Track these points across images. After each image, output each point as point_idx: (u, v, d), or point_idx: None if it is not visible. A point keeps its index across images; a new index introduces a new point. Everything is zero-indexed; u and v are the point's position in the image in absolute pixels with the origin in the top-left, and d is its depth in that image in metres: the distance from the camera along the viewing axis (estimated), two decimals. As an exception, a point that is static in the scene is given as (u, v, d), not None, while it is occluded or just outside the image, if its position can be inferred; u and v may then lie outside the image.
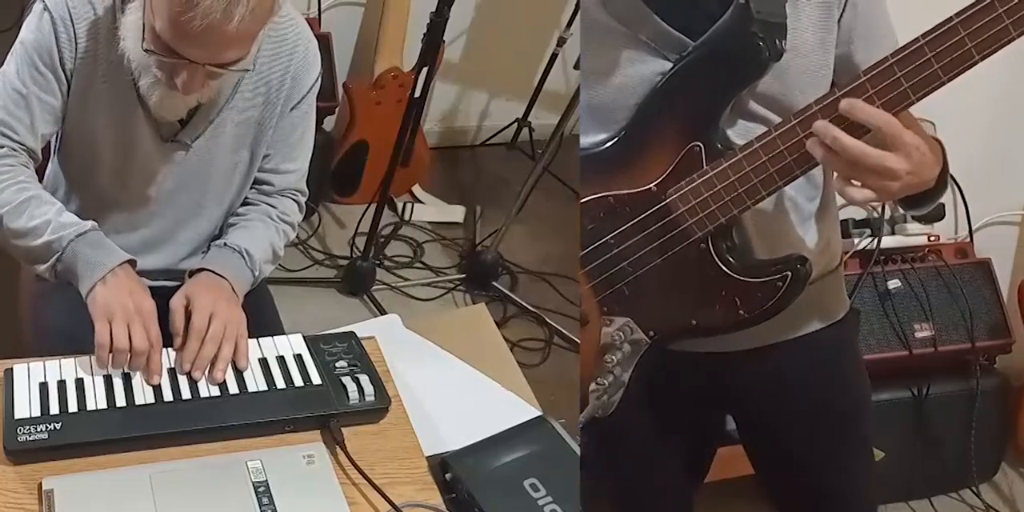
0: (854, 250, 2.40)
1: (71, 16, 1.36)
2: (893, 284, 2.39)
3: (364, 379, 1.34)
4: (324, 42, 2.72)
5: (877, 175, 1.06)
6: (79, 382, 1.28)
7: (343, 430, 1.28)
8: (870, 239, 2.41)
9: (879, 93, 1.06)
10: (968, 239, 2.56)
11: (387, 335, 1.50)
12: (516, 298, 2.94)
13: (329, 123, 3.17)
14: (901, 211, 2.45)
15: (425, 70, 2.59)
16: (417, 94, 2.63)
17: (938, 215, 2.33)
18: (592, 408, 1.30)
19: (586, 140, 1.28)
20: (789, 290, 1.17)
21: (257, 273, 1.52)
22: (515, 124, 3.59)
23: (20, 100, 1.39)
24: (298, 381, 1.35)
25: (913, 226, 2.44)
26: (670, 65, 1.20)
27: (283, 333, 1.46)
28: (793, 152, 1.12)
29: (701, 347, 1.33)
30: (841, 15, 1.23)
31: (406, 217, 3.24)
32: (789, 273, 1.17)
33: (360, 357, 1.40)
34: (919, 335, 2.39)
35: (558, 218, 3.17)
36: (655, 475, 1.49)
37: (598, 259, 1.27)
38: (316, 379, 1.35)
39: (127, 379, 1.30)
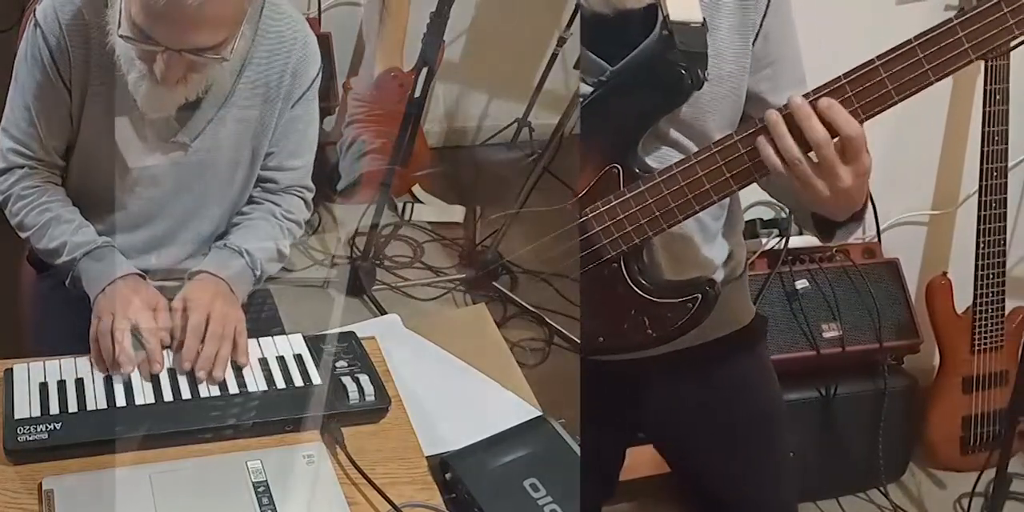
0: (762, 250, 2.39)
1: (60, 26, 1.37)
2: (801, 284, 2.39)
3: (364, 379, 1.34)
4: (324, 42, 2.72)
5: (816, 158, 1.05)
6: (79, 382, 1.28)
7: (343, 430, 1.28)
8: (778, 239, 2.41)
9: (859, 95, 1.05)
10: (876, 239, 2.55)
11: (387, 335, 1.50)
12: (516, 298, 2.93)
13: (329, 123, 3.16)
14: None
15: (425, 70, 2.59)
16: (417, 94, 2.63)
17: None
18: None
19: None
20: (699, 311, 1.20)
21: (259, 272, 1.52)
22: (515, 124, 3.58)
23: (30, 117, 1.44)
24: (298, 381, 1.35)
25: (822, 226, 2.44)
26: (589, 89, 1.21)
27: (283, 333, 1.46)
28: (712, 179, 1.14)
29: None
30: (753, 43, 1.24)
31: (406, 217, 3.24)
32: (699, 295, 1.19)
33: (360, 357, 1.40)
34: (827, 335, 2.39)
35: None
36: None
37: None
38: (316, 379, 1.35)
39: (127, 379, 1.30)
